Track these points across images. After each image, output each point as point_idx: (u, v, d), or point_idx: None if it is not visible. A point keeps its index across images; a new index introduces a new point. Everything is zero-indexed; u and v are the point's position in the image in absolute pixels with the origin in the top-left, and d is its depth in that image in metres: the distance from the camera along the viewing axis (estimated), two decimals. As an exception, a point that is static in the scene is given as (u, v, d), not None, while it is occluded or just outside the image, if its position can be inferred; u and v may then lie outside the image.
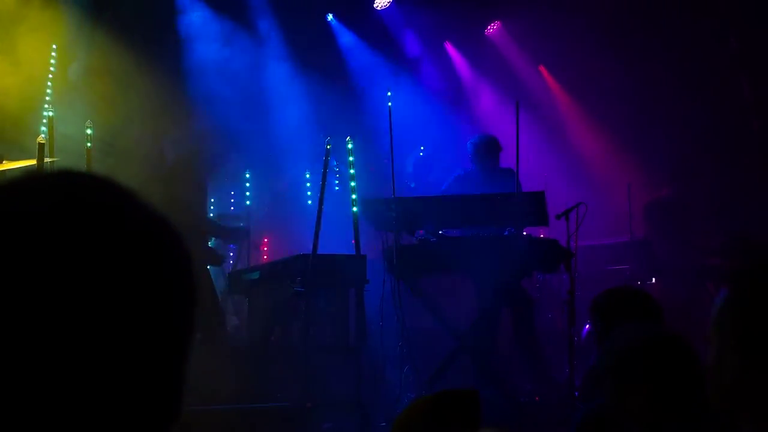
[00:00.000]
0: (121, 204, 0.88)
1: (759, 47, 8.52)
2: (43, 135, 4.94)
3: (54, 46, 6.58)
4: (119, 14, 7.06)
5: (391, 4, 9.39)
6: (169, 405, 0.89)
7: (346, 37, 9.52)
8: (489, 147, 6.74)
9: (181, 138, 6.24)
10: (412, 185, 9.66)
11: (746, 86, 8.86)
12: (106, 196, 0.87)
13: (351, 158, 6.01)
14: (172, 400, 0.89)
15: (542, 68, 10.14)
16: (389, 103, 6.08)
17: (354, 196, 5.93)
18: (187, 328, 0.91)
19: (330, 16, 9.44)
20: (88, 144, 5.07)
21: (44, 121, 5.90)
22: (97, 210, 0.85)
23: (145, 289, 0.85)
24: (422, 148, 9.28)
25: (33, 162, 4.67)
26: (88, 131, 5.11)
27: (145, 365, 0.85)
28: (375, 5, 9.37)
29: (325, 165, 5.97)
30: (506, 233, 6.27)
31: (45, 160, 4.64)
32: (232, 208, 7.20)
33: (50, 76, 6.49)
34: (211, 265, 6.35)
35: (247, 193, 7.98)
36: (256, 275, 6.37)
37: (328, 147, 6.01)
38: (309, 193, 8.69)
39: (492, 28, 10.11)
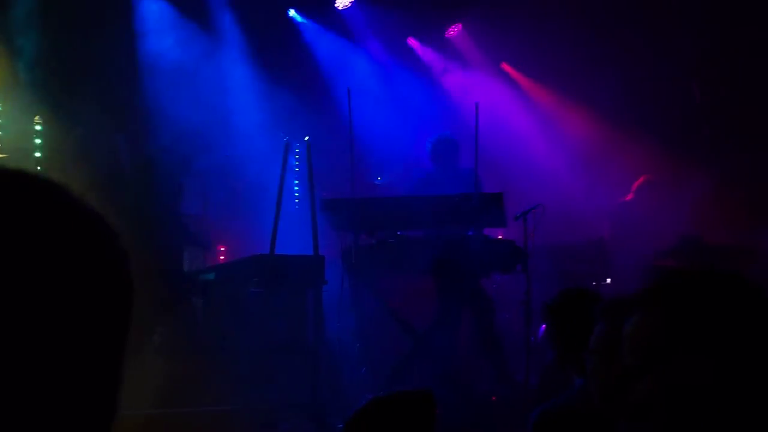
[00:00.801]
0: (50, 202, 0.85)
1: (709, 53, 8.66)
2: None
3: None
4: (70, 11, 6.94)
5: (353, 4, 9.37)
6: (104, 406, 0.86)
7: (307, 36, 9.49)
8: (447, 146, 6.74)
9: (136, 136, 6.18)
10: (379, 179, 9.66)
11: (697, 92, 9.01)
12: (33, 194, 0.85)
13: (309, 158, 5.97)
14: (106, 400, 0.87)
15: (505, 65, 10.19)
16: (349, 102, 6.04)
17: (313, 196, 5.90)
18: (120, 329, 0.88)
19: (292, 11, 9.39)
20: (37, 140, 4.98)
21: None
22: (22, 209, 0.83)
23: (70, 290, 0.82)
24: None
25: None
26: (37, 127, 5.02)
27: (74, 366, 0.83)
28: (336, 4, 9.34)
29: (284, 164, 5.94)
30: (465, 234, 6.28)
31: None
32: (187, 209, 7.11)
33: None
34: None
35: (204, 193, 7.89)
36: (212, 275, 6.30)
37: (287, 146, 5.98)
38: (269, 193, 8.61)
39: (453, 30, 10.14)
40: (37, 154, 4.94)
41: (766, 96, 8.00)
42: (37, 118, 5.04)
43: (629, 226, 7.36)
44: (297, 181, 9.00)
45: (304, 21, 9.48)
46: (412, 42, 10.17)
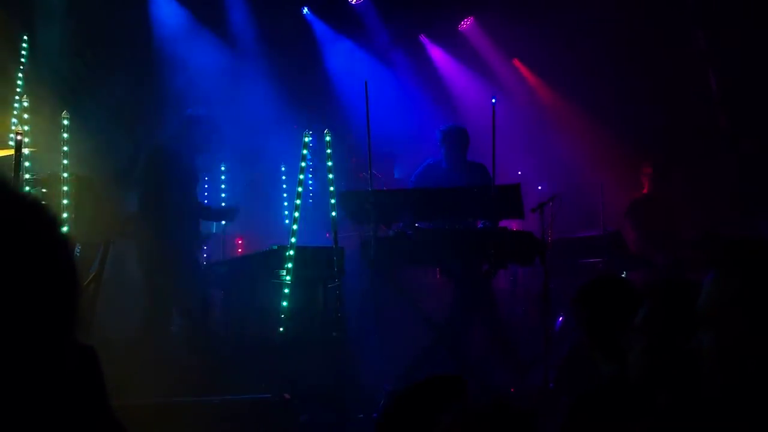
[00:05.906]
0: None
1: (725, 43, 8.65)
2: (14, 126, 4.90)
3: (24, 37, 6.47)
4: (90, 14, 7.04)
5: (365, -2, 9.41)
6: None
7: (321, 31, 9.52)
8: (458, 136, 6.76)
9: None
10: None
11: (713, 82, 9.00)
12: None
13: (329, 151, 6.00)
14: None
15: (516, 62, 10.21)
16: (366, 95, 6.06)
17: (332, 189, 5.93)
18: (55, 299, 1.04)
19: (305, 10, 9.43)
20: (65, 135, 5.03)
21: (15, 113, 5.84)
22: None
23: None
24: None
25: (10, 152, 4.61)
26: (65, 122, 5.07)
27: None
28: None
29: (303, 157, 5.97)
30: (480, 226, 6.32)
31: (23, 151, 4.60)
32: (206, 201, 7.15)
33: (21, 67, 6.38)
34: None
35: (222, 186, 7.95)
36: (232, 267, 6.34)
37: (306, 140, 6.00)
38: (285, 185, 8.67)
39: (465, 23, 10.17)
40: (65, 149, 4.98)
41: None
42: (64, 113, 5.07)
43: (648, 217, 7.34)
44: (311, 175, 9.03)
45: (318, 16, 9.50)
46: (425, 36, 10.19)
